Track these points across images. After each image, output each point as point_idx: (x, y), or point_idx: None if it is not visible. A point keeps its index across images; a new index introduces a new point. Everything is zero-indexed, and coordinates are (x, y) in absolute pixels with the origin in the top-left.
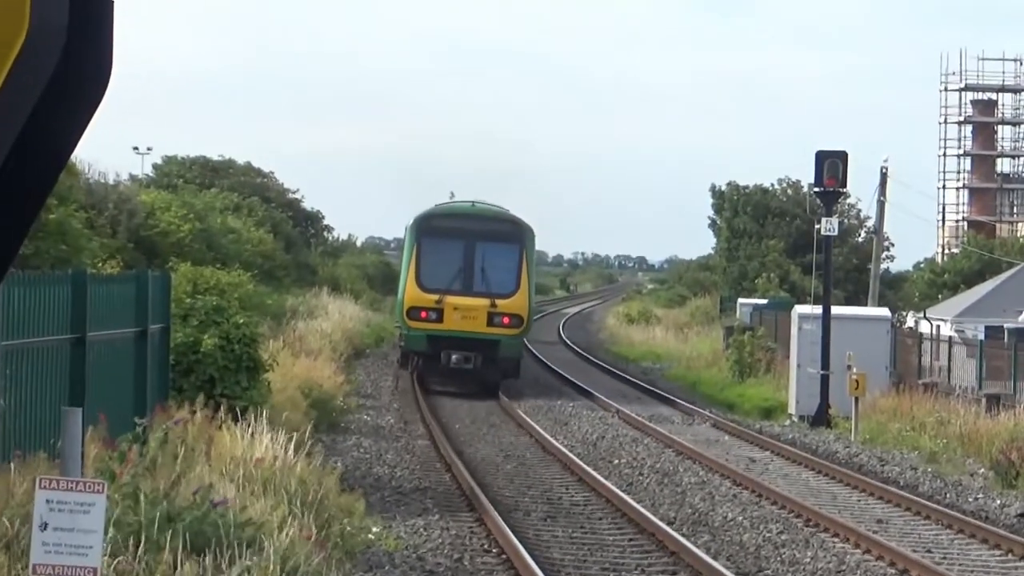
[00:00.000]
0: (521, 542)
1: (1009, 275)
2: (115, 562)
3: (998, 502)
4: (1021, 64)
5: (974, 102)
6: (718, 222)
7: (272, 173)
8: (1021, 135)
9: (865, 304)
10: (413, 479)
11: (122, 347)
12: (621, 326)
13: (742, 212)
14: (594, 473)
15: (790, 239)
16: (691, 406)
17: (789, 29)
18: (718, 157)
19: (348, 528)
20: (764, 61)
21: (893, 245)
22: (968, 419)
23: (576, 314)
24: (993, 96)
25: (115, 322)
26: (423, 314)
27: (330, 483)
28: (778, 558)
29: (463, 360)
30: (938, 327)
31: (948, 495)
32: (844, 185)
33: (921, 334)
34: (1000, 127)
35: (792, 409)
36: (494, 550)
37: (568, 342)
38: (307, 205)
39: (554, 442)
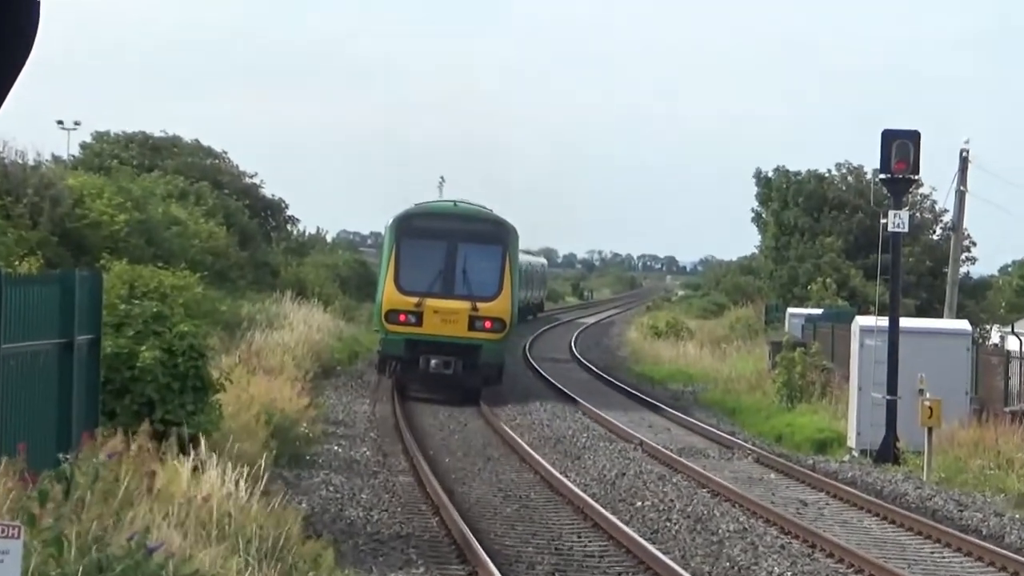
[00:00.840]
0: None
1: None
2: None
3: None
4: None
5: None
6: (763, 215)
7: (225, 153)
8: None
9: (941, 315)
10: (393, 524)
11: (43, 362)
12: (646, 341)
13: (793, 204)
14: (612, 518)
15: (850, 236)
16: (730, 437)
17: None
18: (763, 137)
19: None
20: (818, 20)
21: (975, 244)
22: None
23: (592, 326)
24: None
25: (34, 332)
26: (402, 317)
27: (293, 528)
28: None
29: (442, 365)
30: None
31: None
32: (916, 171)
33: (1008, 352)
34: None
35: (852, 442)
36: None
37: (582, 359)
38: (267, 192)
39: (564, 480)
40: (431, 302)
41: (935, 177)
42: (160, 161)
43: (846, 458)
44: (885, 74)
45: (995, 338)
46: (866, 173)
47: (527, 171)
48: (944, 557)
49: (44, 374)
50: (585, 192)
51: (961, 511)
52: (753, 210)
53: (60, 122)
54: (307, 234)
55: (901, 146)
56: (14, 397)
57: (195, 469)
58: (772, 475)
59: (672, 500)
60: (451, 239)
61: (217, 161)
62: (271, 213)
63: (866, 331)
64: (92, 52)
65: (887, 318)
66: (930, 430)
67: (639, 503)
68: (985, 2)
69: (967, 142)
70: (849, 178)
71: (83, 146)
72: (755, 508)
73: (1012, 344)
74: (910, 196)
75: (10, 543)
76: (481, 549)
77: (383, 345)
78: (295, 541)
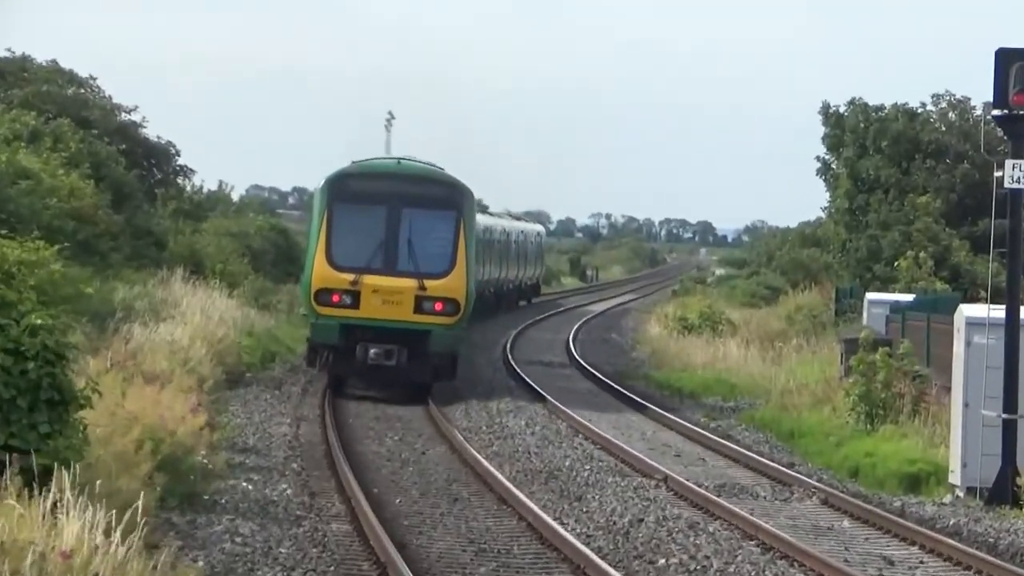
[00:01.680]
0: None
1: None
2: None
3: None
4: None
5: None
6: (833, 166)
7: (93, 80)
8: None
9: None
10: None
11: None
12: (671, 337)
13: (873, 150)
14: None
15: (953, 195)
16: (787, 470)
17: None
18: (832, 59)
19: None
20: None
21: None
22: None
23: (597, 317)
24: None
25: None
26: (335, 298)
27: None
28: None
29: (383, 355)
30: None
31: None
32: None
33: None
34: None
35: (956, 477)
36: None
37: (583, 363)
38: (151, 134)
39: (559, 529)
40: (370, 280)
41: None
42: (3, 91)
43: (947, 499)
44: None
45: None
46: (974, 108)
47: (506, 112)
48: None
49: None
50: (588, 138)
51: None
52: (819, 159)
53: None
54: (205, 191)
55: (1022, 70)
56: None
57: (51, 511)
58: (845, 522)
59: (707, 557)
60: (394, 204)
61: (82, 91)
62: (156, 162)
63: (974, 325)
64: None
65: (1003, 307)
66: None
67: (662, 561)
68: None
69: None
70: (951, 115)
71: None
72: (822, 569)
73: None
74: None
75: None
76: None
77: (313, 332)
78: None
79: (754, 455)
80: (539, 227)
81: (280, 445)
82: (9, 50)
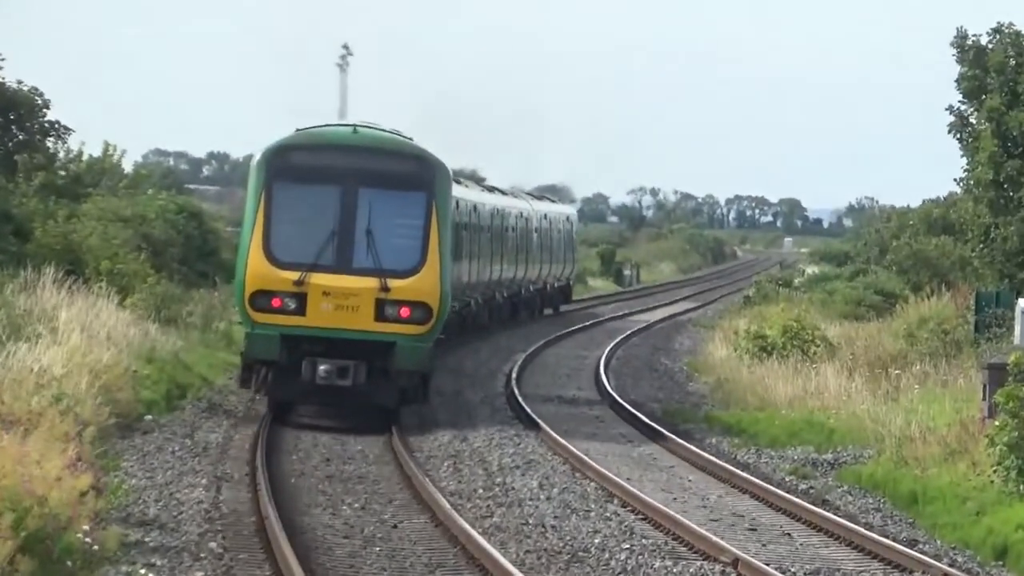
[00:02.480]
0: None
1: None
2: None
3: None
4: None
5: None
6: (972, 120)
7: None
8: None
9: None
10: None
11: None
12: (743, 363)
13: None
14: None
15: None
16: (907, 550)
17: None
18: None
19: None
20: None
21: None
22: None
23: (638, 333)
24: None
25: None
26: (275, 302)
27: None
28: None
29: (336, 373)
30: None
31: None
32: None
33: None
34: None
35: None
36: None
37: (619, 400)
38: (7, 77)
39: None
40: (319, 279)
41: None
42: None
43: None
44: None
45: None
46: None
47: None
48: None
49: None
50: (623, 84)
51: None
52: (952, 110)
53: None
54: (86, 159)
55: None
56: None
57: None
58: None
59: None
60: (349, 183)
61: None
62: (16, 118)
63: None
64: None
65: None
66: None
67: None
68: None
69: None
70: None
71: None
72: None
73: None
74: None
75: None
76: None
77: (248, 344)
78: None
79: (860, 529)
80: (569, 209)
81: (193, 516)
82: None
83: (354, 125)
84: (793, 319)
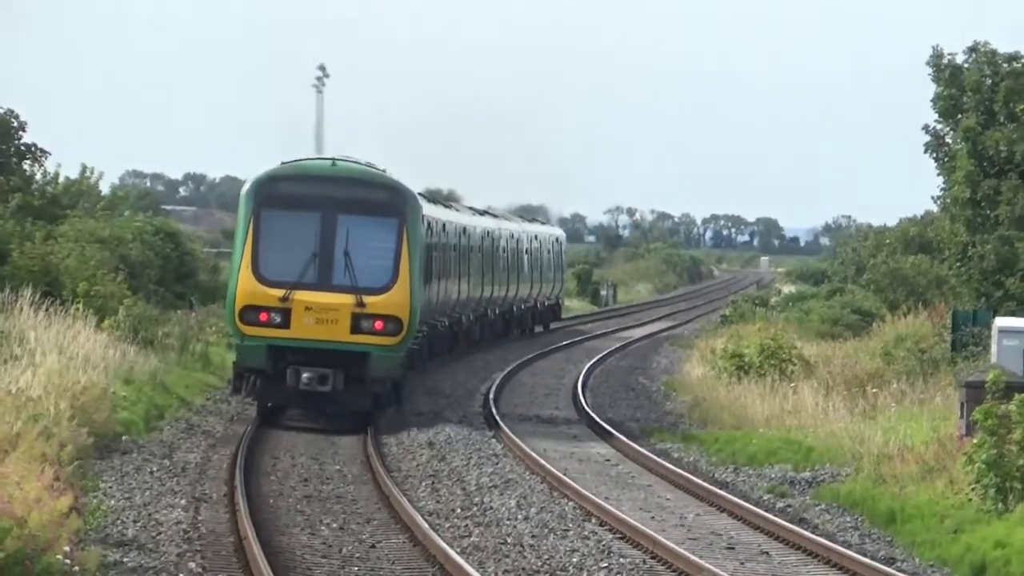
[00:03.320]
0: None
1: None
2: None
3: None
4: None
5: None
6: (948, 139)
7: None
8: None
9: None
10: None
11: None
12: (720, 381)
13: (1005, 117)
14: None
15: None
16: (885, 568)
17: None
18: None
19: None
20: None
21: None
22: None
23: (615, 352)
24: None
25: None
26: (262, 316)
27: None
28: None
29: (317, 380)
30: None
31: None
32: None
33: None
34: None
35: None
36: None
37: (596, 419)
38: None
39: None
40: (301, 295)
41: None
42: None
43: None
44: None
45: None
46: None
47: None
48: None
49: None
50: (599, 103)
51: None
52: (928, 129)
53: None
54: (62, 180)
55: None
56: None
57: None
58: None
59: None
60: (328, 210)
61: None
62: None
63: None
64: None
65: None
66: None
67: None
68: None
69: None
70: None
71: None
72: None
73: None
74: None
75: None
76: None
77: (238, 354)
78: None
79: (838, 547)
80: (557, 231)
81: (172, 537)
82: None
83: (332, 159)
84: (770, 338)
